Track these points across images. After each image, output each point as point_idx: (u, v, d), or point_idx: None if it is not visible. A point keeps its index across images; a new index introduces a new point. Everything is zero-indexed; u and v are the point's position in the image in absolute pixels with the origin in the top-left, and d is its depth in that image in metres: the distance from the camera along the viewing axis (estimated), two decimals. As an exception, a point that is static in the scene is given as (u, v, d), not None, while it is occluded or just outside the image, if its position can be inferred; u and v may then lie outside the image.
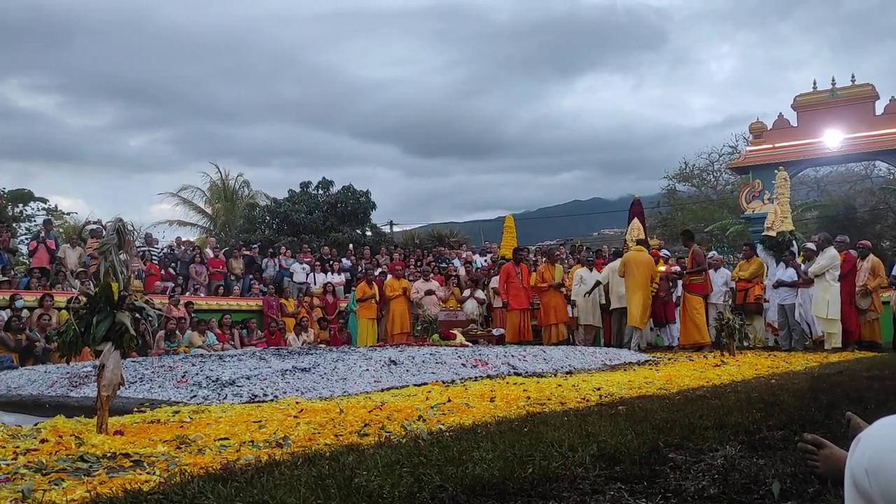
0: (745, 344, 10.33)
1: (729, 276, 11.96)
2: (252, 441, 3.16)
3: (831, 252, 10.06)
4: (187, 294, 13.37)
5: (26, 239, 18.58)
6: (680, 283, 11.62)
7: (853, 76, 16.71)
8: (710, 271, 11.89)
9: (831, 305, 9.86)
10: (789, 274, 10.81)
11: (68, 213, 27.61)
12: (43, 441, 3.22)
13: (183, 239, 16.74)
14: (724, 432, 2.97)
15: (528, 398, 4.58)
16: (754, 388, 4.89)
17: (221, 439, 3.22)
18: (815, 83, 16.95)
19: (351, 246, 18.40)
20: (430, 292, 12.88)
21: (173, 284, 13.31)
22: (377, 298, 13.05)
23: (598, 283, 11.81)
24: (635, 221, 12.72)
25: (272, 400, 4.85)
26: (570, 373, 6.87)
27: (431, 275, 13.77)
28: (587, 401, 4.47)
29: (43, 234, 13.03)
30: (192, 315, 12.06)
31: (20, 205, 25.90)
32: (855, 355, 9.03)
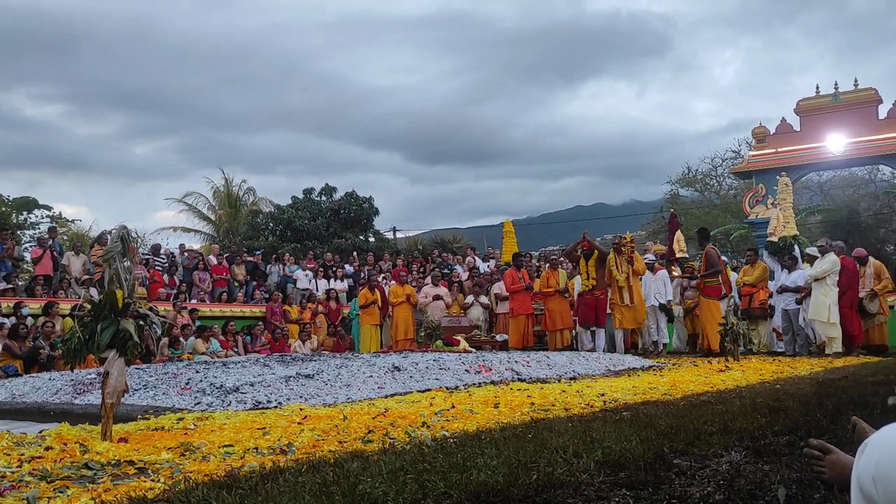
0: (750, 349, 10.29)
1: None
2: (256, 448, 3.16)
3: (831, 257, 10.03)
4: (193, 301, 13.38)
5: (30, 246, 18.63)
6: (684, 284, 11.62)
7: (856, 80, 16.72)
8: None
9: (832, 309, 9.82)
10: (793, 279, 10.78)
11: (72, 221, 27.69)
12: (48, 448, 3.23)
13: (186, 246, 16.76)
14: (729, 438, 2.96)
15: (532, 404, 4.57)
16: (759, 394, 4.88)
17: (226, 446, 3.22)
18: (817, 87, 16.96)
19: (354, 253, 18.43)
20: (437, 297, 12.90)
21: (177, 291, 13.33)
22: (379, 304, 13.05)
23: None
24: (679, 233, 12.96)
25: (276, 407, 4.84)
26: (573, 378, 6.85)
27: (440, 280, 13.80)
28: (591, 407, 4.46)
29: (51, 242, 13.07)
30: (196, 322, 12.07)
31: (24, 212, 25.97)
32: (860, 360, 9.00)
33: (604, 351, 10.59)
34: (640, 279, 11.24)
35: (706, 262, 10.70)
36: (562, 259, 12.80)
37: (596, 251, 10.95)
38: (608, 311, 11.10)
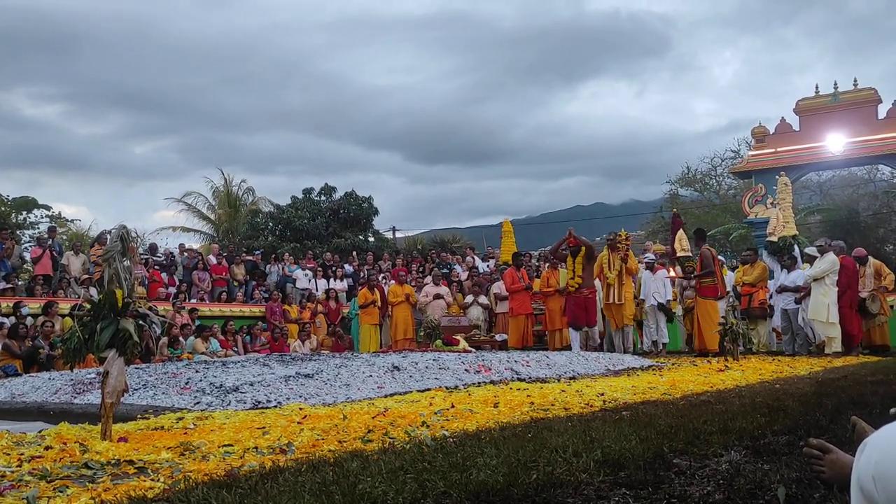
0: (750, 349, 10.29)
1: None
2: (256, 447, 3.16)
3: (831, 256, 10.05)
4: (192, 301, 13.39)
5: (30, 246, 18.63)
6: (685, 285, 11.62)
7: (855, 80, 16.73)
8: None
9: (831, 309, 9.83)
10: (792, 278, 10.79)
11: (72, 221, 27.69)
12: (47, 448, 3.23)
13: (186, 246, 16.76)
14: (729, 437, 2.96)
15: (532, 404, 4.57)
16: (759, 393, 4.88)
17: (225, 446, 3.21)
18: (817, 87, 16.98)
19: (354, 253, 18.44)
20: (438, 296, 12.91)
21: (176, 291, 13.33)
22: (379, 304, 13.06)
23: None
24: (681, 232, 12.97)
25: (276, 406, 4.84)
26: (573, 378, 6.86)
27: (441, 280, 13.80)
28: (591, 406, 4.46)
29: (50, 242, 13.07)
30: (196, 321, 12.07)
31: (24, 212, 25.95)
32: (859, 360, 9.01)
33: (603, 350, 10.59)
34: (634, 278, 11.23)
35: (701, 262, 10.77)
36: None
37: (583, 248, 10.89)
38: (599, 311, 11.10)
